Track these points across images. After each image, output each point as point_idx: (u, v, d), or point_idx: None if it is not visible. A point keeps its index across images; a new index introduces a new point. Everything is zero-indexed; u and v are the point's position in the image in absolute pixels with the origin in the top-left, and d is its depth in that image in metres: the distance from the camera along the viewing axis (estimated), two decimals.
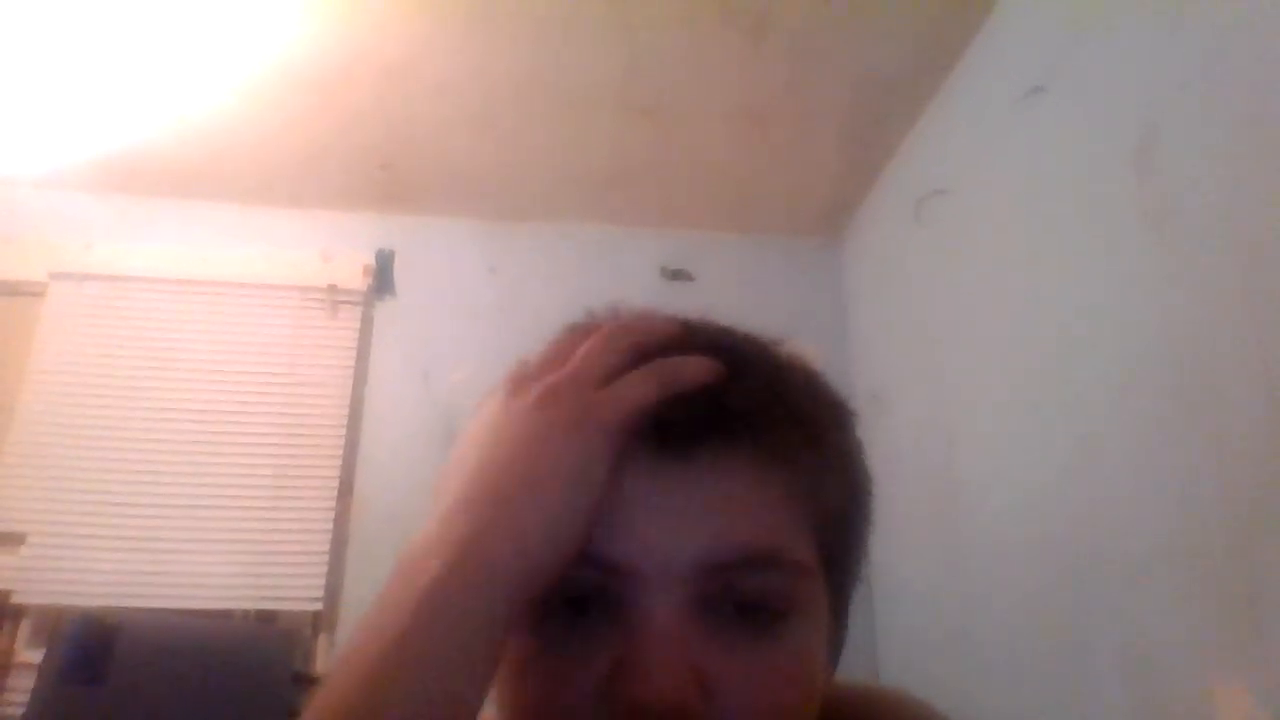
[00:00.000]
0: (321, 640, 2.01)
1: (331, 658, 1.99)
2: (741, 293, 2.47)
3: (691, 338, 0.43)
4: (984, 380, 1.73)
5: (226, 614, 1.98)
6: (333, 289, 2.30)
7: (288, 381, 2.20)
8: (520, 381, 0.41)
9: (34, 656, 1.76)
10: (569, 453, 0.37)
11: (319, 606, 2.01)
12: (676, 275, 2.47)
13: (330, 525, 2.08)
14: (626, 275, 2.44)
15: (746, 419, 0.39)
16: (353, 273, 2.34)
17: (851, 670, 0.48)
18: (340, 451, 2.15)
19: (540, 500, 0.36)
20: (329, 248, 2.37)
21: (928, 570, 1.92)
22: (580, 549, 0.37)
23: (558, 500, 0.36)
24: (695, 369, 0.40)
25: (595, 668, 0.37)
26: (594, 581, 0.38)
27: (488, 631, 0.35)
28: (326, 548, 2.06)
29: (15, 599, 1.94)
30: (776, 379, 0.43)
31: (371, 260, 2.37)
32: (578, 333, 0.44)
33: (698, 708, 0.36)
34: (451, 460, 0.43)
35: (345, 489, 2.14)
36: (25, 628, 1.95)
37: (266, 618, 2.00)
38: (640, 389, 0.39)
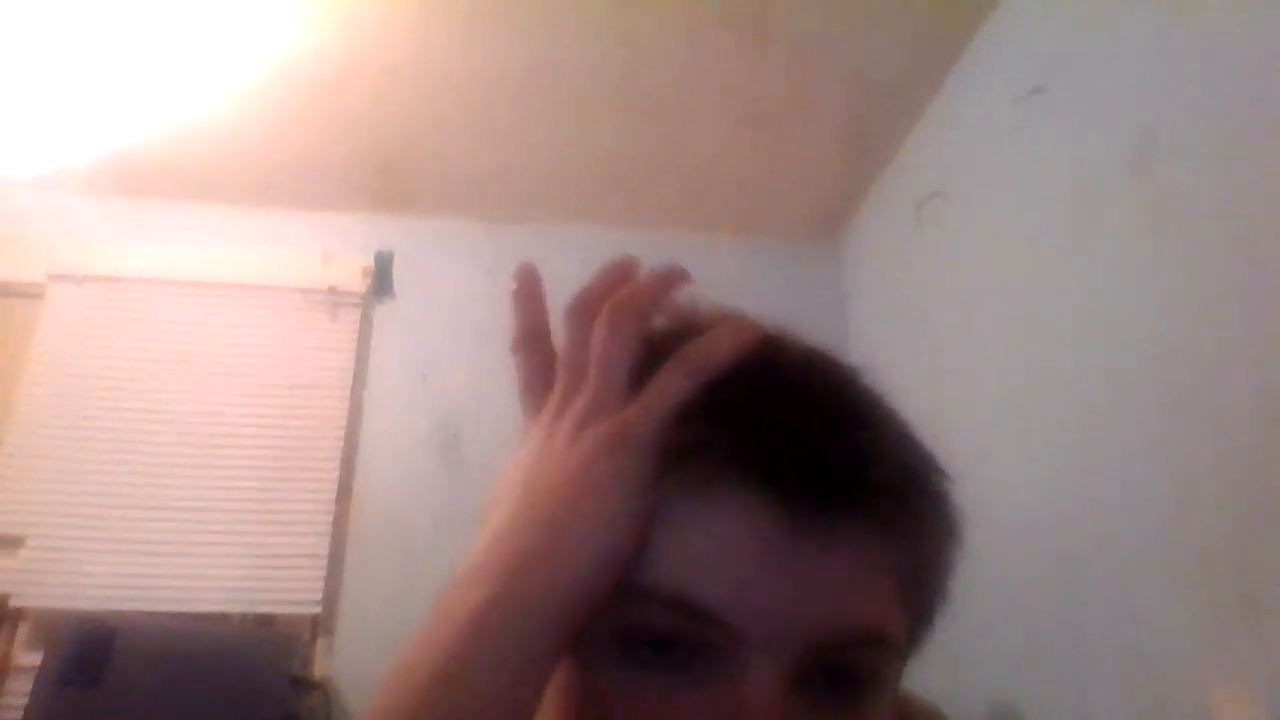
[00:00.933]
0: (320, 644, 2.00)
1: (330, 664, 1.98)
2: (740, 294, 2.43)
3: (771, 364, 0.40)
4: (983, 381, 1.73)
5: (224, 617, 1.98)
6: (332, 291, 2.30)
7: (286, 383, 2.19)
8: (561, 401, 0.39)
9: (32, 660, 1.76)
10: (609, 475, 0.35)
11: (317, 610, 2.01)
12: None
13: (329, 528, 2.08)
14: None
15: (889, 494, 0.37)
16: (352, 274, 2.33)
17: None
18: (339, 454, 2.15)
19: (582, 526, 0.35)
20: (328, 249, 2.36)
21: None
22: (625, 569, 0.35)
23: (600, 524, 0.35)
24: (727, 346, 0.38)
25: (683, 713, 0.35)
26: (689, 629, 0.35)
27: (534, 658, 0.34)
28: (325, 551, 2.05)
29: (13, 602, 1.94)
30: (905, 443, 0.41)
31: (370, 262, 2.37)
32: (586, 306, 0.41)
33: None
34: (497, 488, 0.41)
35: (344, 492, 2.13)
36: (23, 631, 1.95)
37: (265, 621, 1.99)
38: (672, 390, 0.37)
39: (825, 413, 0.38)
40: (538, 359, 0.43)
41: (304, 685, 1.80)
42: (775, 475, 0.35)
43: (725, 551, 0.35)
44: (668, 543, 0.35)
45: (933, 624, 0.43)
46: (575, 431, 0.37)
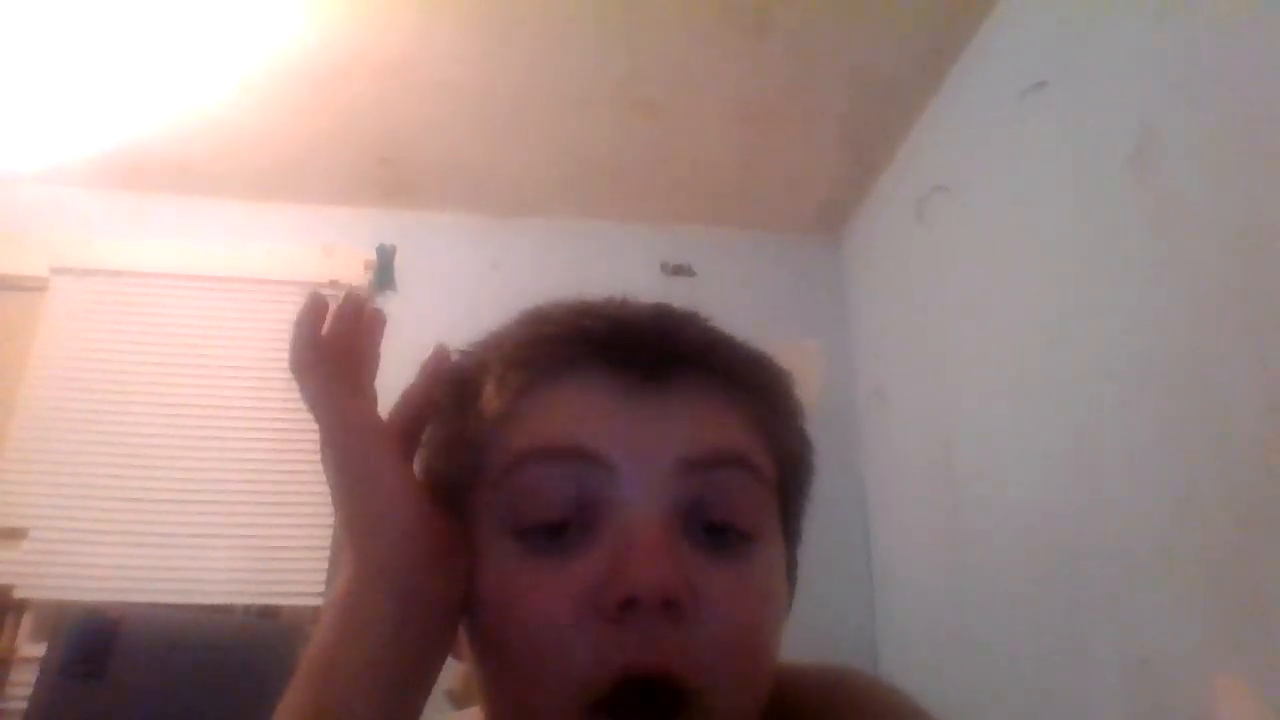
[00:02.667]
0: None
1: None
2: (742, 289, 2.47)
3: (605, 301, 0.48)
4: (984, 377, 1.73)
5: (228, 609, 1.98)
6: (334, 284, 2.30)
7: (289, 376, 2.19)
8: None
9: (36, 651, 1.77)
10: (354, 462, 0.44)
11: (321, 601, 2.01)
12: (678, 271, 2.47)
13: (332, 520, 2.07)
14: (628, 271, 2.44)
15: (712, 351, 0.45)
16: (354, 268, 2.34)
17: None
18: None
19: (368, 521, 0.43)
20: (330, 243, 2.36)
21: (928, 569, 1.92)
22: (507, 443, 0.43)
23: (371, 511, 0.43)
24: (353, 298, 0.51)
25: (581, 575, 0.39)
26: (573, 496, 0.41)
27: (389, 632, 0.40)
28: (328, 542, 2.05)
29: (17, 594, 1.94)
30: (717, 328, 0.48)
31: (372, 255, 2.37)
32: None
33: (688, 604, 0.38)
34: None
35: None
36: (27, 622, 1.96)
37: (269, 613, 2.00)
38: (410, 396, 0.49)
39: (644, 309, 0.47)
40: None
41: None
42: (607, 353, 0.43)
43: (584, 409, 0.42)
44: (538, 417, 0.43)
45: (803, 503, 0.49)
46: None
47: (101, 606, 1.67)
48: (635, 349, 0.43)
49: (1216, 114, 1.15)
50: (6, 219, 2.24)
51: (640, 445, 0.41)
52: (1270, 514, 1.02)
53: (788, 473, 0.47)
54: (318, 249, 2.34)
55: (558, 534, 0.40)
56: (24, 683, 1.78)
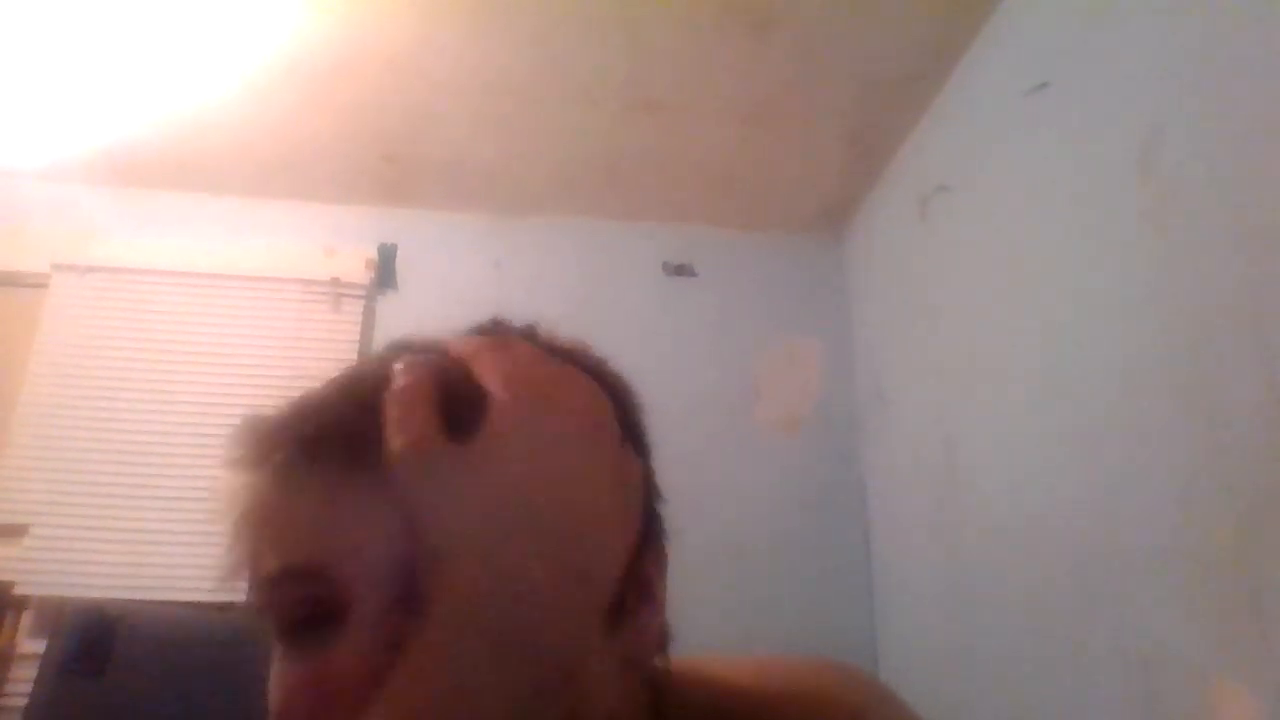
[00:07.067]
0: None
1: None
2: (744, 288, 2.47)
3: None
4: (985, 377, 1.73)
5: (229, 606, 1.98)
6: (335, 282, 2.30)
7: (289, 374, 2.19)
8: None
9: (36, 648, 1.77)
10: None
11: None
12: (679, 270, 2.47)
13: None
14: (630, 270, 2.44)
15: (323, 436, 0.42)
16: (355, 266, 2.34)
17: None
18: None
19: None
20: (332, 241, 2.37)
21: (928, 570, 1.92)
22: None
23: None
24: None
25: (322, 671, 0.40)
26: (315, 598, 0.40)
27: None
28: None
29: (18, 590, 1.95)
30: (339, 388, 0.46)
31: (374, 254, 2.37)
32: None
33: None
34: None
35: None
36: (27, 619, 1.96)
37: None
38: None
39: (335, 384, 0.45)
40: None
41: None
42: (303, 445, 0.42)
43: (285, 515, 0.41)
44: (261, 534, 0.42)
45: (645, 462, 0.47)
46: None
47: (102, 603, 1.67)
48: (333, 442, 0.41)
49: (1221, 114, 1.15)
50: (8, 215, 2.24)
51: (353, 542, 0.39)
52: (1270, 514, 1.02)
53: None
54: (319, 247, 2.34)
55: (315, 629, 0.39)
56: (24, 679, 1.79)
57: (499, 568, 0.36)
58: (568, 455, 0.40)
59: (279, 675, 0.40)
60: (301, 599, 0.40)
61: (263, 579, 0.41)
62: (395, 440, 0.38)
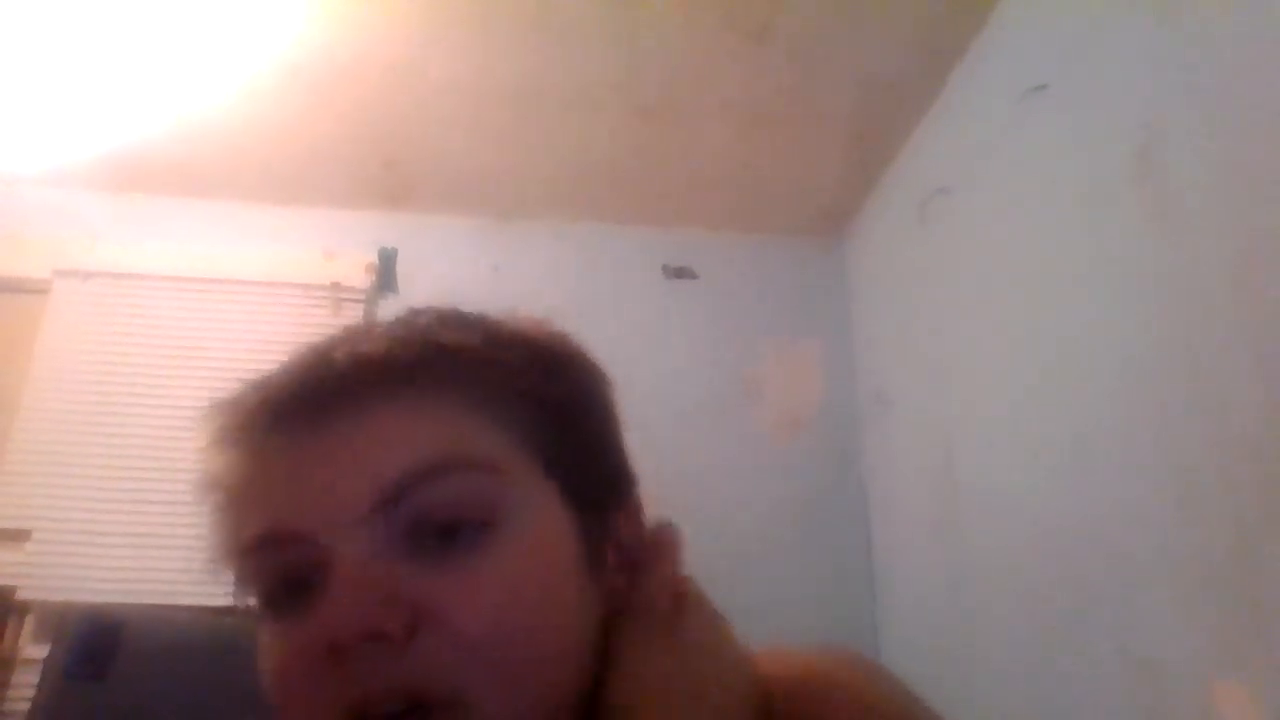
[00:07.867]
0: None
1: None
2: (744, 292, 2.48)
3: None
4: (985, 380, 1.73)
5: (232, 611, 1.98)
6: (335, 287, 2.30)
7: None
8: None
9: (38, 653, 1.77)
10: None
11: None
12: (679, 273, 2.47)
13: None
14: (630, 273, 2.44)
15: (372, 372, 0.42)
16: (355, 270, 2.34)
17: None
18: None
19: None
20: (332, 245, 2.37)
21: (928, 571, 1.92)
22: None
23: None
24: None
25: (308, 630, 0.39)
26: (294, 563, 0.41)
27: None
28: None
29: (20, 595, 1.95)
30: (395, 329, 0.47)
31: (374, 258, 2.38)
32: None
33: (395, 632, 0.38)
34: None
35: None
36: (30, 624, 1.96)
37: None
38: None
39: (304, 358, 0.45)
40: None
41: None
42: (263, 417, 0.43)
43: (253, 486, 0.43)
44: (233, 508, 0.44)
45: (594, 447, 0.47)
46: None
47: (104, 608, 1.67)
48: (291, 407, 0.43)
49: (1219, 116, 1.15)
50: (9, 221, 2.24)
51: (314, 502, 0.41)
52: (1270, 514, 1.03)
53: (545, 423, 0.45)
54: (319, 252, 2.35)
55: (300, 593, 0.40)
56: (26, 684, 1.79)
57: None
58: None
59: (268, 643, 0.42)
60: (282, 563, 0.41)
61: (243, 548, 0.42)
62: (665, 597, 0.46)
